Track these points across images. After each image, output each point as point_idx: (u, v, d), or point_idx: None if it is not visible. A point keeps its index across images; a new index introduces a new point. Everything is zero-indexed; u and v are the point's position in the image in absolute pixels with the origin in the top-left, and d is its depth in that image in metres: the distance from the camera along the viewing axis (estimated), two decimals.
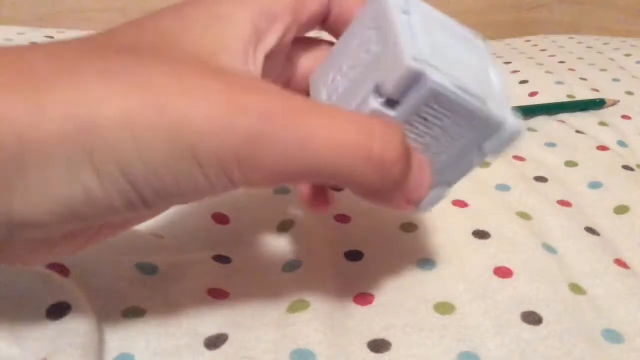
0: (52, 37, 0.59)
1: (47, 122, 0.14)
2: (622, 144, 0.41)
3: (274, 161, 0.15)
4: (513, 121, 0.19)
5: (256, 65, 0.18)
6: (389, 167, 0.16)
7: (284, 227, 0.29)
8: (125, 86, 0.14)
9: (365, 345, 0.22)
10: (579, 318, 0.24)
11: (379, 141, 0.16)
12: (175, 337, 0.22)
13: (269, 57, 0.19)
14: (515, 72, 0.55)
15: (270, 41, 0.19)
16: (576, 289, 0.26)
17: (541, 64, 0.59)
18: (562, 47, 0.68)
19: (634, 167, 0.37)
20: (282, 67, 0.21)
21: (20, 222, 0.15)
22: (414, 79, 0.17)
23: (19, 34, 0.59)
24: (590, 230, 0.30)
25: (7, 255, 0.17)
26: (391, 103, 0.17)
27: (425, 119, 0.18)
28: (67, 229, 0.16)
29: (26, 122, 0.14)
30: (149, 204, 0.15)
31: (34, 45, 0.16)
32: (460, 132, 0.18)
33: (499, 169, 0.35)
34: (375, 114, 0.18)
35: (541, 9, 0.82)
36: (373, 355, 0.22)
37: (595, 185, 0.35)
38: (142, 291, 0.24)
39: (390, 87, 0.17)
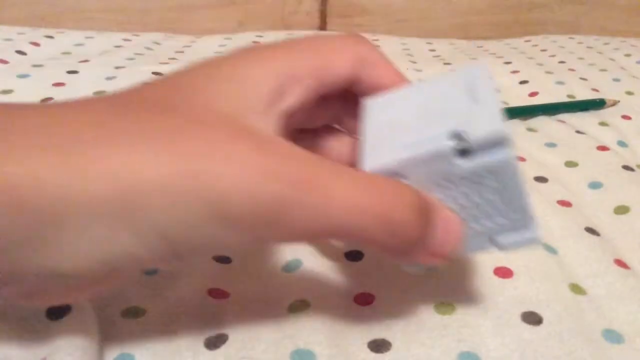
0: (52, 37, 0.59)
1: (89, 186, 0.14)
2: (622, 144, 0.41)
3: (298, 224, 0.16)
4: (539, 228, 0.19)
5: (278, 123, 0.18)
6: (401, 229, 0.17)
7: None
8: (164, 152, 0.15)
9: (365, 345, 0.22)
10: (579, 318, 0.24)
11: (391, 203, 0.17)
12: (175, 337, 0.22)
13: (290, 114, 0.19)
14: (515, 72, 0.55)
15: (290, 102, 0.19)
16: (576, 289, 0.26)
17: (541, 64, 0.59)
18: (562, 47, 0.68)
19: (634, 167, 0.37)
20: (305, 118, 0.22)
21: (55, 275, 0.15)
22: (500, 143, 0.17)
23: (19, 33, 0.59)
24: (590, 230, 0.30)
25: (39, 298, 0.18)
26: (462, 153, 0.18)
27: (480, 183, 0.18)
28: (100, 278, 0.16)
29: (68, 186, 0.14)
30: (182, 258, 0.16)
31: (71, 103, 0.16)
32: (496, 212, 0.19)
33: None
34: (438, 154, 0.18)
35: (541, 9, 0.82)
36: (373, 355, 0.22)
37: (595, 185, 0.35)
38: (142, 291, 0.24)
39: (475, 137, 0.17)
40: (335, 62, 0.20)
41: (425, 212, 0.18)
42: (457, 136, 0.18)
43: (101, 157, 0.15)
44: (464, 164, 0.18)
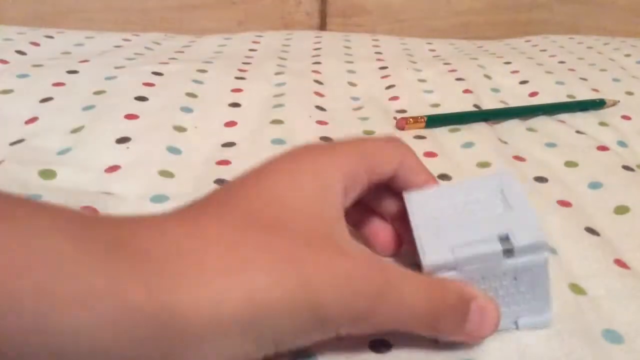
0: (52, 37, 0.59)
1: (226, 309, 0.17)
2: (622, 144, 0.41)
3: (372, 325, 0.20)
4: (552, 313, 0.23)
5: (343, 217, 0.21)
6: (442, 323, 0.20)
7: None
8: (286, 273, 0.18)
9: (366, 345, 0.22)
10: (579, 318, 0.24)
11: (438, 303, 0.20)
12: None
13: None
14: (515, 72, 0.56)
15: (350, 201, 0.22)
16: (576, 289, 0.26)
17: (541, 64, 0.59)
18: (562, 47, 0.68)
19: (634, 167, 0.37)
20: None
21: None
22: (540, 248, 0.21)
23: (19, 33, 0.59)
24: (590, 230, 0.30)
25: None
26: (507, 253, 0.21)
27: (517, 277, 0.21)
28: None
29: (210, 309, 0.16)
30: (278, 352, 0.19)
31: (203, 224, 0.19)
32: (523, 299, 0.22)
33: (500, 169, 0.35)
34: (491, 256, 0.21)
35: (541, 9, 0.82)
36: (373, 355, 0.22)
37: (595, 185, 0.35)
38: None
39: (521, 243, 0.21)
40: (384, 163, 0.24)
41: (464, 307, 0.21)
42: (505, 241, 0.21)
43: (238, 283, 0.17)
44: (508, 262, 0.21)
